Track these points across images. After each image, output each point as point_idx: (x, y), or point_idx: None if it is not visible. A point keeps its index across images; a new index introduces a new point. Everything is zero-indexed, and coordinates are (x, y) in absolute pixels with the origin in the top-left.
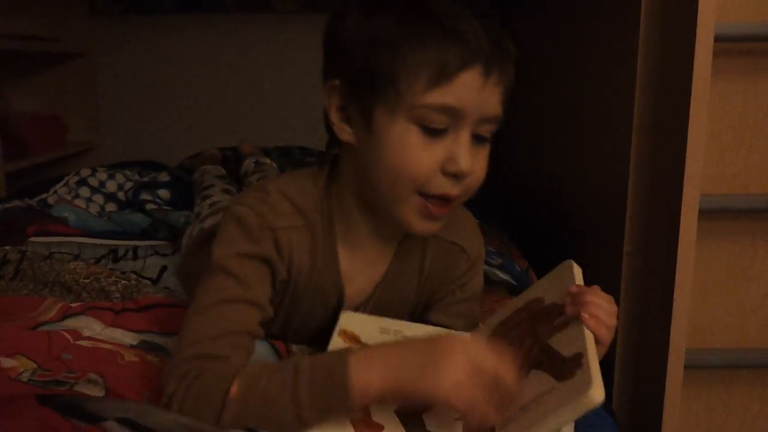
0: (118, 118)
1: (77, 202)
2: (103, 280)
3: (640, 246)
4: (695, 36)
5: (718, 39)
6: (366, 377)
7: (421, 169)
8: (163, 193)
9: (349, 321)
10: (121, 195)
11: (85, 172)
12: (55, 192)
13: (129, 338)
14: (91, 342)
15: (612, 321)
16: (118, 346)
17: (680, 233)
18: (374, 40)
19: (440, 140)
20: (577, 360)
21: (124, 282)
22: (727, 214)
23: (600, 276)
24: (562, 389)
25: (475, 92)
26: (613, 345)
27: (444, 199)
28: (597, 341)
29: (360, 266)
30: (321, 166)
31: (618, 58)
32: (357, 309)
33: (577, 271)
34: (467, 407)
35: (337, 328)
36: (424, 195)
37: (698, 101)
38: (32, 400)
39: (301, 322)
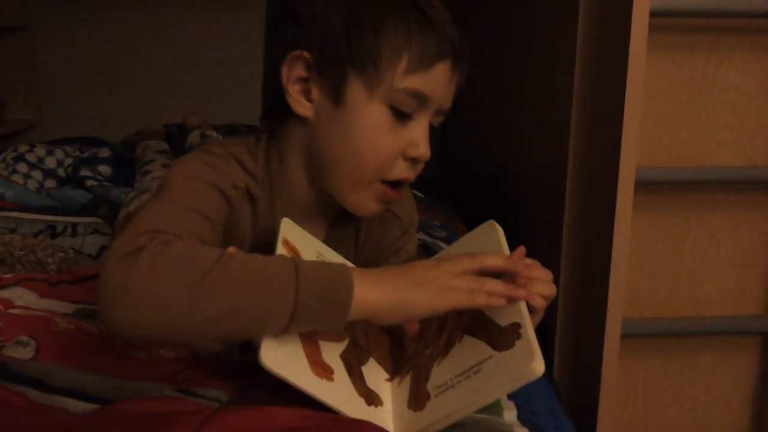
0: (60, 95)
1: (15, 177)
2: (39, 252)
3: (579, 218)
4: (631, 10)
5: (653, 14)
6: (366, 291)
7: (387, 153)
8: (104, 169)
9: (292, 232)
10: (60, 171)
11: (23, 147)
12: None
13: (64, 307)
14: (24, 311)
15: (551, 290)
16: (53, 314)
17: (617, 205)
18: (357, 15)
19: (405, 126)
20: (515, 330)
21: (61, 254)
22: (663, 187)
23: (541, 247)
24: (501, 360)
25: (443, 84)
26: (553, 314)
27: (401, 184)
28: (532, 309)
29: None
30: (257, 138)
31: (558, 36)
32: None
33: (500, 232)
34: (467, 298)
35: (281, 235)
36: (384, 181)
37: (634, 75)
38: None
39: None
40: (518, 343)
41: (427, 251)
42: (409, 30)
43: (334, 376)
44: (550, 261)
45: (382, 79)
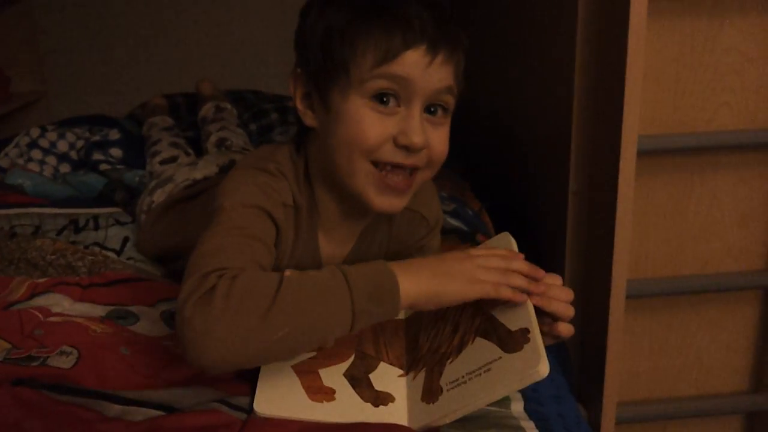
0: (65, 65)
1: (31, 165)
2: (69, 256)
3: (584, 186)
4: None
5: None
6: (407, 283)
7: (372, 137)
8: (115, 151)
9: None
10: (73, 154)
11: (34, 132)
12: (7, 155)
13: (98, 311)
14: (62, 317)
15: (569, 312)
16: (88, 319)
17: (620, 175)
18: (329, 31)
19: (392, 115)
20: (524, 335)
21: (90, 258)
22: (665, 153)
23: (548, 214)
24: (510, 360)
25: (421, 68)
26: (562, 276)
27: (398, 167)
28: (557, 336)
29: (334, 247)
30: (296, 149)
31: (560, 5)
32: None
33: (514, 243)
34: (494, 290)
35: None
36: (378, 164)
37: (635, 45)
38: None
39: None
40: (526, 346)
41: None
42: (371, 32)
43: (336, 394)
44: (556, 227)
45: (352, 79)
